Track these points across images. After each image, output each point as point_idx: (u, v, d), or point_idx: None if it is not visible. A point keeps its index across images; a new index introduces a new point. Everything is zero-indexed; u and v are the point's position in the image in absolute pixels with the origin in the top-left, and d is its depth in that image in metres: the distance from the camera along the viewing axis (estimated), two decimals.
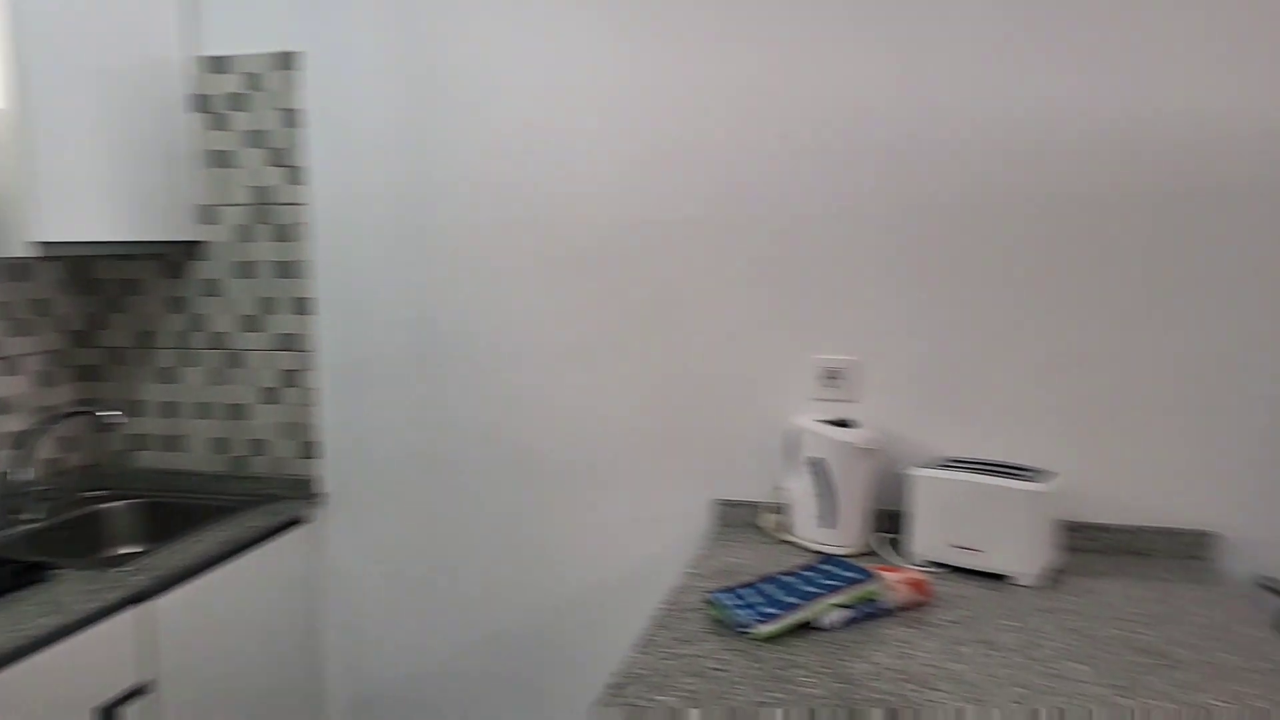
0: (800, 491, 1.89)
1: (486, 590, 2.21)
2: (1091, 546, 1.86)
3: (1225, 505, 1.81)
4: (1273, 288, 1.75)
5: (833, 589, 1.52)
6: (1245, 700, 1.27)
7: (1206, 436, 1.81)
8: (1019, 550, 1.67)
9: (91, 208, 1.92)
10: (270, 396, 2.25)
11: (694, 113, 1.96)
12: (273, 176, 2.18)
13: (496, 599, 2.21)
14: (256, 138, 2.17)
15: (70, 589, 1.64)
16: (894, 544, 1.87)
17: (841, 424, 1.87)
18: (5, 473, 2.07)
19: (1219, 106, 1.73)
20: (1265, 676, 1.34)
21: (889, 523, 1.93)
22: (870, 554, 1.84)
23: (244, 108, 2.17)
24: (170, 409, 2.30)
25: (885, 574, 1.58)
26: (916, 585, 1.58)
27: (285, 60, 2.14)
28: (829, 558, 1.67)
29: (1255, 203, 1.74)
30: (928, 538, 1.76)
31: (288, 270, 2.20)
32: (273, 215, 2.19)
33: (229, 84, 2.17)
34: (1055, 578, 1.71)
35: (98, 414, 2.06)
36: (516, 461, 2.15)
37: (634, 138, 2.00)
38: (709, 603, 1.53)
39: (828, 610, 1.48)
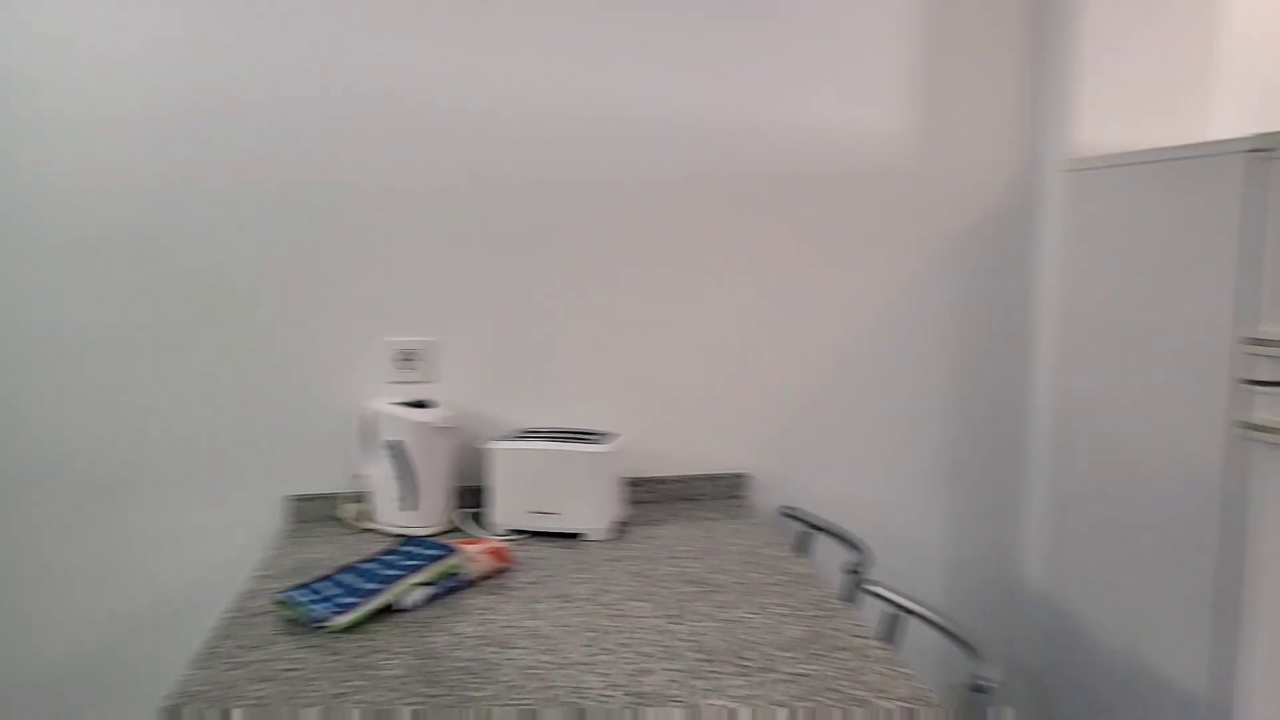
0: (380, 477, 1.85)
1: (4, 636, 1.87)
2: (651, 498, 2.06)
3: (754, 449, 2.11)
4: (794, 263, 2.06)
5: (414, 569, 1.50)
6: (769, 609, 1.49)
7: (737, 392, 2.08)
8: (589, 509, 1.80)
9: None
10: None
11: (249, 84, 1.81)
12: None
13: (19, 644, 1.87)
14: None
15: None
16: (477, 517, 1.91)
17: (420, 405, 1.86)
18: None
19: (771, 106, 2.00)
20: (785, 587, 1.58)
21: (472, 498, 1.96)
22: (454, 530, 1.85)
23: None
24: None
25: (466, 547, 1.60)
26: (497, 554, 1.63)
27: None
28: (410, 539, 1.66)
29: (793, 189, 2.03)
30: (508, 507, 1.82)
31: None
32: None
33: None
34: (622, 530, 1.87)
35: None
36: (35, 478, 1.84)
37: (174, 106, 1.80)
38: (281, 603, 1.44)
39: (409, 590, 1.47)
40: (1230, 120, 2.06)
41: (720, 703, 1.19)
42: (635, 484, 2.05)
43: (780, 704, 1.19)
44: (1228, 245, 1.57)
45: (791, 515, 2.08)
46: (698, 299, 2.04)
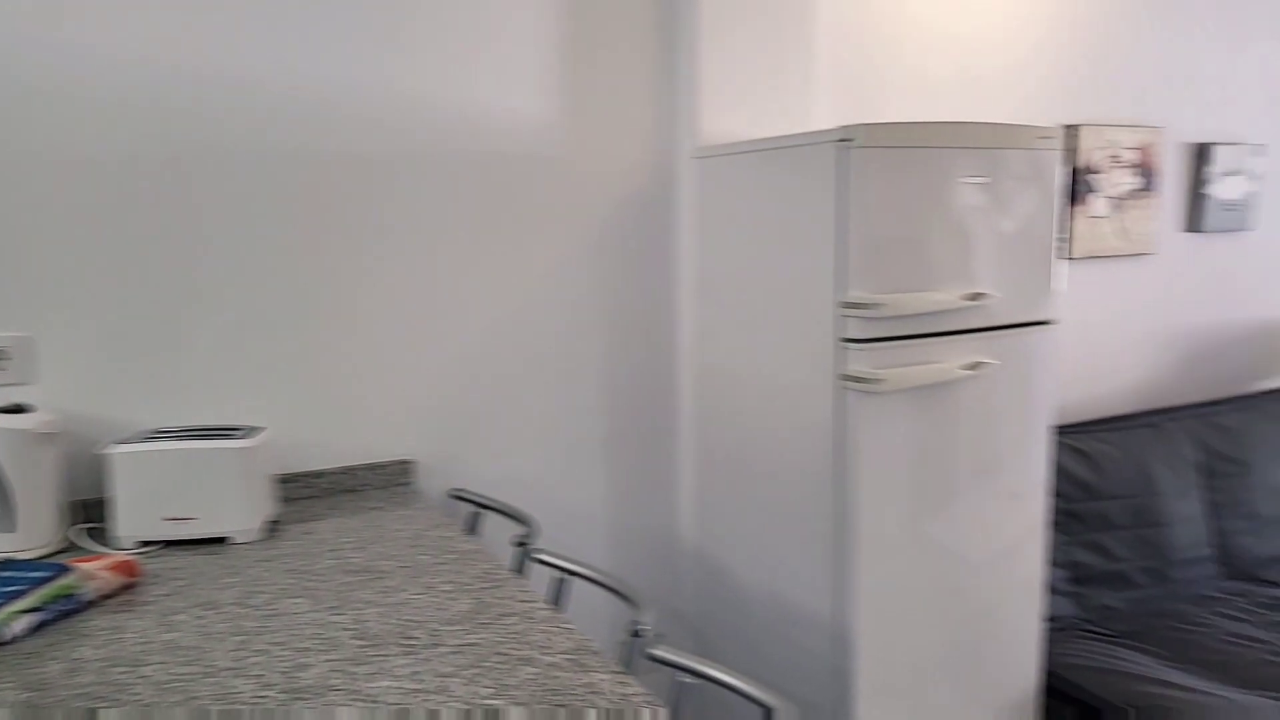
0: None
1: None
2: (309, 493, 1.95)
3: (418, 434, 2.07)
4: (446, 244, 2.03)
5: (13, 596, 1.29)
6: (436, 588, 1.47)
7: (396, 377, 2.03)
8: (234, 510, 1.65)
9: None
10: None
11: None
12: None
13: None
14: None
15: None
16: (99, 532, 1.69)
17: (15, 410, 1.60)
18: None
19: (417, 83, 1.94)
20: (452, 565, 1.57)
21: (92, 511, 1.73)
22: (71, 549, 1.62)
23: None
24: None
25: (84, 565, 1.41)
26: (124, 568, 1.45)
27: None
28: (8, 564, 1.42)
29: (444, 168, 1.99)
30: (136, 517, 1.62)
31: None
32: None
33: None
34: (274, 529, 1.74)
35: None
36: None
37: None
38: None
39: (8, 620, 1.26)
40: (835, 111, 2.38)
41: (385, 683, 1.16)
42: (289, 480, 1.92)
43: (448, 674, 1.19)
44: (824, 222, 1.81)
45: (460, 497, 2.07)
46: (344, 280, 1.96)
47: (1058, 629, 2.40)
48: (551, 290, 2.17)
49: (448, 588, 1.47)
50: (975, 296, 1.85)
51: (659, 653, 1.35)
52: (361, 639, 1.28)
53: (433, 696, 1.14)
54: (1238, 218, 3.19)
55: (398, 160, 1.97)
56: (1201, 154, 3.09)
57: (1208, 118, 3.10)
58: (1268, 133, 3.24)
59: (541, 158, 2.12)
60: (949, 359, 1.85)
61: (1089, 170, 2.85)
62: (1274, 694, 2.09)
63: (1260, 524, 2.83)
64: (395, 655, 1.24)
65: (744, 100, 2.22)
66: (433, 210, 2.02)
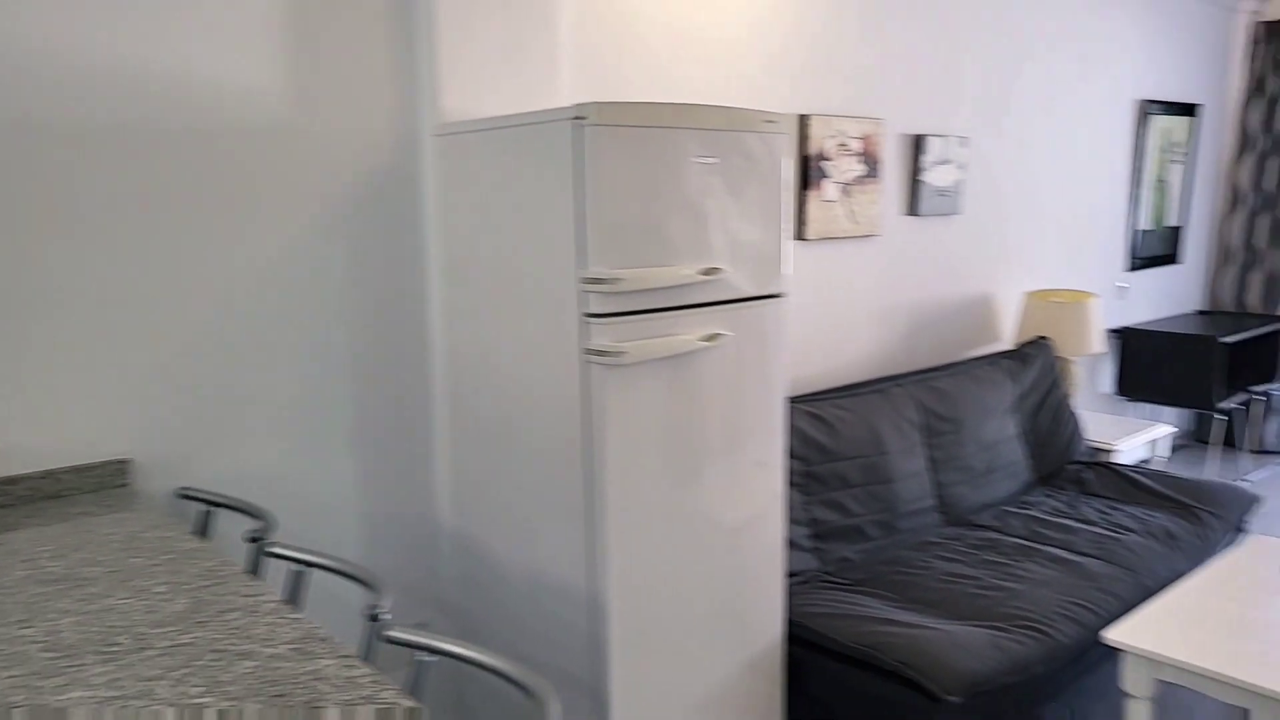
0: None
1: None
2: (1, 502, 1.74)
3: (136, 431, 1.90)
4: (164, 224, 1.87)
5: None
6: (148, 591, 1.35)
7: (109, 370, 1.85)
8: None
9: None
10: None
11: None
12: None
13: None
14: None
15: None
16: None
17: None
18: None
19: (128, 47, 1.75)
20: (168, 566, 1.45)
21: None
22: None
23: None
24: None
25: None
26: None
27: None
28: None
29: (159, 142, 1.82)
30: None
31: None
32: None
33: None
34: None
35: None
36: None
37: None
38: None
39: None
40: (585, 96, 2.41)
41: (77, 694, 1.06)
42: None
43: (153, 678, 1.10)
44: (563, 199, 1.83)
45: (189, 496, 1.92)
46: (38, 264, 1.76)
47: (800, 582, 2.57)
48: (287, 272, 2.06)
49: (162, 589, 1.36)
50: (710, 271, 1.94)
51: (395, 634, 1.32)
52: (53, 650, 1.16)
53: (133, 702, 1.05)
54: (949, 203, 3.56)
55: (102, 131, 1.79)
56: (917, 144, 3.41)
57: (921, 112, 3.42)
58: (971, 126, 3.63)
59: (269, 132, 2.00)
60: (687, 331, 1.93)
61: (821, 157, 3.07)
62: (981, 622, 2.35)
63: (972, 475, 3.18)
64: (92, 664, 1.13)
65: (486, 78, 2.20)
66: (145, 186, 1.86)
